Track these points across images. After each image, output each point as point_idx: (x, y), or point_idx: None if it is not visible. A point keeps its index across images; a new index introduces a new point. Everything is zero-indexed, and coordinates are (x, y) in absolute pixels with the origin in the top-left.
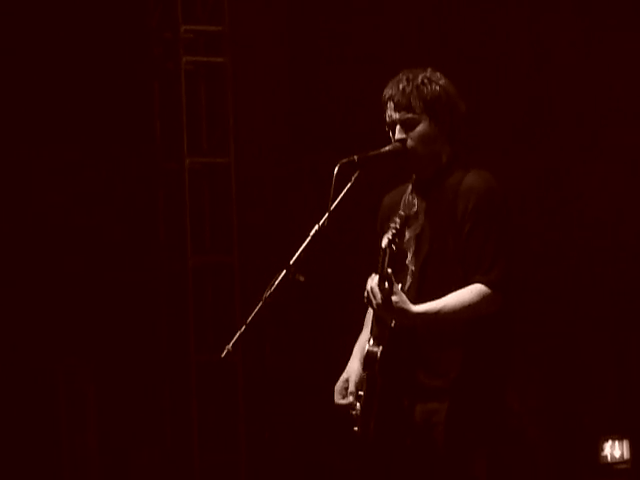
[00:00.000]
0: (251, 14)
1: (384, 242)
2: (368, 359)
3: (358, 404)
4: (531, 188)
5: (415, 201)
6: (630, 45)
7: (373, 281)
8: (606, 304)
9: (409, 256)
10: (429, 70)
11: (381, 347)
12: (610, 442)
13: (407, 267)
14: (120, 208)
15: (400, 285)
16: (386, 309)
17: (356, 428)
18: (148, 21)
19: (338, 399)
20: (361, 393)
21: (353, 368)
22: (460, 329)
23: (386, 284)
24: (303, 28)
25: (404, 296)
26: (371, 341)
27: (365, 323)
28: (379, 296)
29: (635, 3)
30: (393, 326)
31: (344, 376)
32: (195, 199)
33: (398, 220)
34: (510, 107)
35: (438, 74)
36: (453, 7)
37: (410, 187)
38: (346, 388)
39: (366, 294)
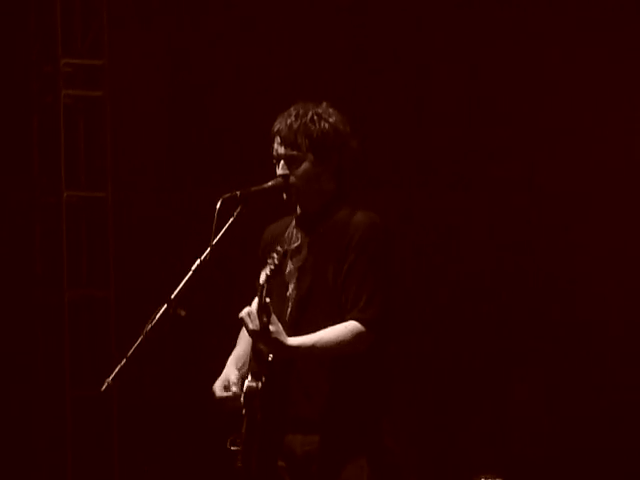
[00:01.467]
0: (131, 47)
1: (262, 278)
2: (248, 395)
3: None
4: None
5: (299, 235)
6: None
7: (252, 307)
8: (487, 340)
9: (290, 288)
10: (323, 105)
11: (260, 382)
12: None
13: (287, 299)
14: None
15: (279, 316)
16: (262, 337)
17: (239, 464)
18: (28, 54)
19: (220, 393)
20: (247, 382)
21: (230, 370)
22: (328, 363)
23: (264, 315)
24: (184, 62)
25: (281, 327)
26: (249, 377)
27: (238, 341)
28: (256, 322)
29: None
30: (271, 360)
31: (222, 377)
32: (72, 233)
33: (276, 256)
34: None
35: (331, 110)
36: (342, 41)
37: (294, 221)
38: (226, 385)
39: (244, 318)
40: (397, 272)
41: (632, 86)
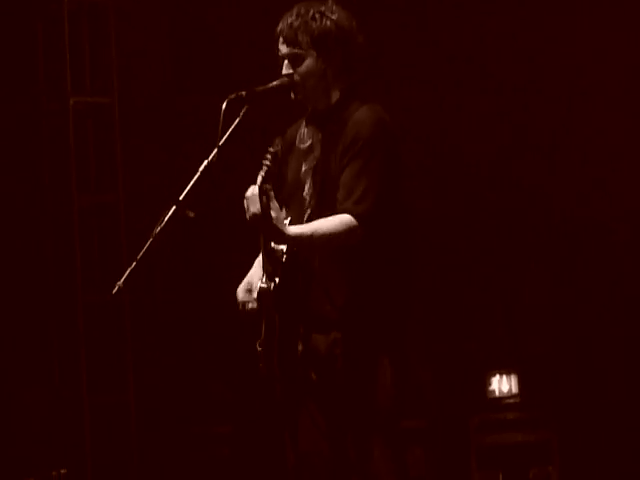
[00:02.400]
0: None
1: (258, 180)
2: (262, 296)
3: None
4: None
5: (311, 133)
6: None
7: (252, 190)
8: (494, 238)
9: (306, 188)
10: (328, 3)
11: (273, 283)
12: (498, 376)
13: (305, 199)
14: (3, 150)
15: (298, 218)
16: (262, 222)
17: (261, 364)
18: None
19: (242, 296)
20: (260, 283)
21: (255, 271)
22: (345, 258)
23: (264, 199)
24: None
25: (282, 215)
26: (263, 278)
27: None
28: (257, 206)
29: None
30: (284, 261)
31: (246, 280)
32: (79, 139)
33: (269, 157)
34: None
35: (334, 7)
36: None
37: (304, 121)
38: (249, 289)
39: (247, 198)
40: (404, 165)
41: None
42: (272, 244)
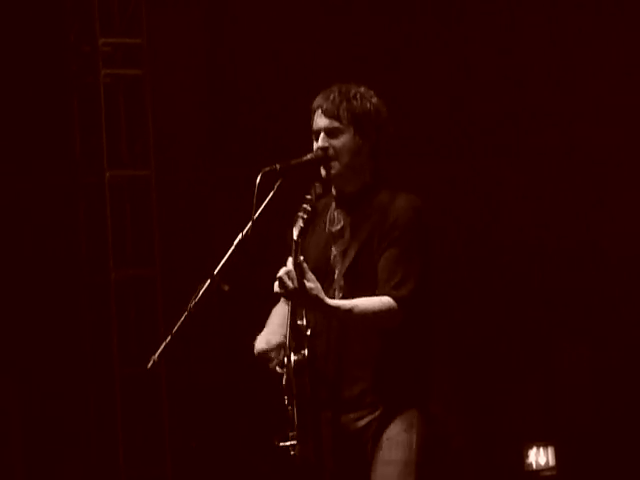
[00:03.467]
0: (169, 25)
1: (295, 234)
2: (298, 368)
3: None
4: (451, 196)
5: (340, 217)
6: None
7: (287, 267)
8: (533, 310)
9: (336, 272)
10: (363, 87)
11: (305, 352)
12: (535, 449)
13: (335, 282)
14: (41, 224)
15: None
16: (301, 295)
17: (293, 451)
18: (66, 35)
19: (260, 346)
20: (293, 357)
21: (272, 331)
22: (373, 341)
23: (300, 273)
24: (222, 38)
25: (319, 285)
26: (292, 355)
27: (267, 323)
28: (295, 280)
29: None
30: (309, 334)
31: (263, 334)
32: (116, 213)
33: (304, 208)
34: (427, 119)
35: (371, 92)
36: (379, 23)
37: (334, 203)
38: (268, 340)
39: (279, 280)
40: (438, 254)
41: None
42: (298, 321)
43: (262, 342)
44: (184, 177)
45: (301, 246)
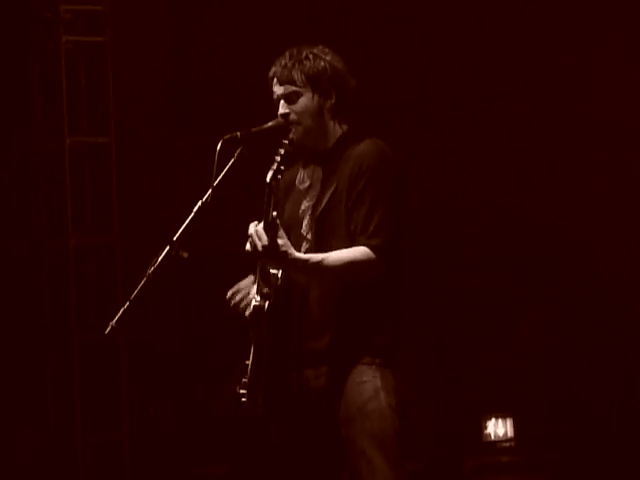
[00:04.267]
0: None
1: (268, 176)
2: (255, 315)
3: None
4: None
5: (310, 173)
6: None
7: (258, 225)
8: (493, 279)
9: (304, 225)
10: (319, 46)
11: (267, 302)
12: (493, 420)
13: (302, 235)
14: (1, 188)
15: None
16: (271, 253)
17: (244, 399)
18: (29, 1)
19: (232, 293)
20: (254, 302)
21: (248, 282)
22: (336, 292)
23: (271, 230)
24: (186, 5)
25: (288, 242)
26: (257, 297)
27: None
28: (264, 238)
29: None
30: (279, 285)
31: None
32: (76, 179)
33: (279, 154)
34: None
35: (326, 49)
36: None
37: (302, 164)
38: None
39: (250, 239)
40: (409, 201)
41: None
42: (270, 269)
43: (234, 287)
44: (144, 145)
45: (275, 191)
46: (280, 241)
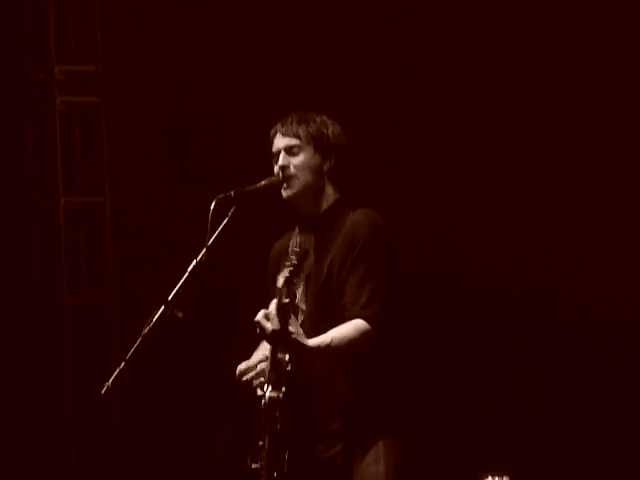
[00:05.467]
0: (125, 52)
1: (280, 281)
2: (270, 405)
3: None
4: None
5: (304, 241)
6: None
7: (270, 308)
8: (487, 336)
9: (298, 295)
10: (322, 116)
11: (281, 393)
12: (490, 479)
13: (297, 307)
14: None
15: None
16: (281, 338)
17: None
18: (22, 62)
19: (242, 366)
20: (269, 393)
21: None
22: (345, 366)
23: (283, 316)
24: (179, 64)
25: (300, 329)
26: (269, 387)
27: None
28: (275, 322)
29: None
30: (289, 369)
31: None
32: (70, 239)
33: (294, 257)
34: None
35: (330, 120)
36: (338, 44)
37: (297, 229)
38: (250, 360)
39: (256, 324)
40: (403, 269)
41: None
42: (279, 355)
43: (244, 363)
44: (139, 204)
45: (285, 293)
46: (292, 328)
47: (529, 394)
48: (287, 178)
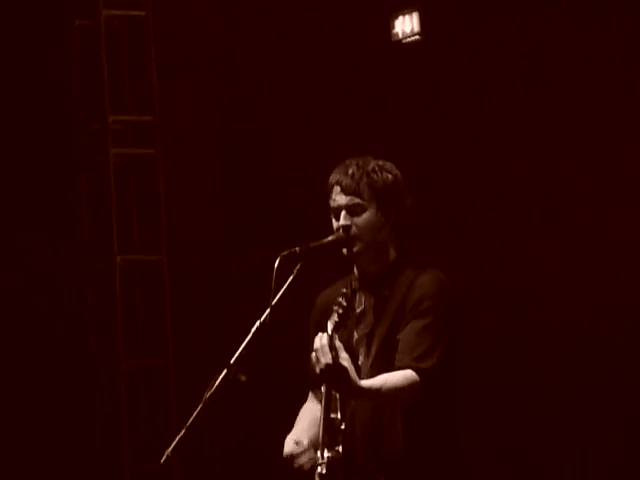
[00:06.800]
0: (181, 103)
1: (329, 327)
2: (330, 467)
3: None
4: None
5: (362, 298)
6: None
7: (322, 339)
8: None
9: (361, 357)
10: (380, 160)
11: (339, 449)
12: (400, 18)
13: (360, 367)
14: (49, 311)
15: None
16: (334, 372)
17: None
18: (74, 112)
19: (292, 449)
20: (327, 453)
21: (301, 431)
22: (401, 422)
23: (335, 351)
24: (235, 115)
25: (352, 365)
26: (325, 451)
27: (296, 422)
28: (329, 356)
29: None
30: (344, 428)
31: (293, 435)
32: (127, 299)
33: (342, 299)
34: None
35: (389, 164)
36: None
37: (353, 284)
38: (297, 441)
39: (314, 353)
40: (465, 330)
41: None
42: (332, 415)
43: (291, 443)
44: (197, 262)
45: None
46: (345, 363)
47: None
48: (349, 239)
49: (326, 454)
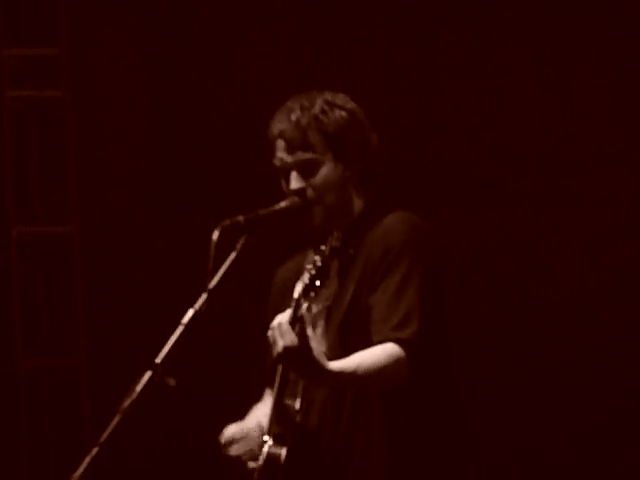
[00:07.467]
0: (98, 32)
1: (298, 289)
2: (269, 462)
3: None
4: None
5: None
6: None
7: (283, 317)
8: None
9: (318, 331)
10: (328, 92)
11: (285, 449)
12: None
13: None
14: None
15: None
16: (297, 356)
17: None
18: None
19: (230, 437)
20: (268, 447)
21: (254, 420)
22: (381, 422)
23: (300, 329)
24: (167, 55)
25: (321, 347)
26: (270, 441)
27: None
28: (290, 337)
29: None
30: (300, 421)
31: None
32: (26, 281)
33: (319, 257)
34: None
35: (341, 96)
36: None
37: (333, 242)
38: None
39: (271, 334)
40: (450, 281)
41: None
42: (287, 401)
43: (232, 428)
44: (115, 235)
45: (303, 304)
46: (314, 344)
47: None
48: (306, 204)
49: (267, 447)
